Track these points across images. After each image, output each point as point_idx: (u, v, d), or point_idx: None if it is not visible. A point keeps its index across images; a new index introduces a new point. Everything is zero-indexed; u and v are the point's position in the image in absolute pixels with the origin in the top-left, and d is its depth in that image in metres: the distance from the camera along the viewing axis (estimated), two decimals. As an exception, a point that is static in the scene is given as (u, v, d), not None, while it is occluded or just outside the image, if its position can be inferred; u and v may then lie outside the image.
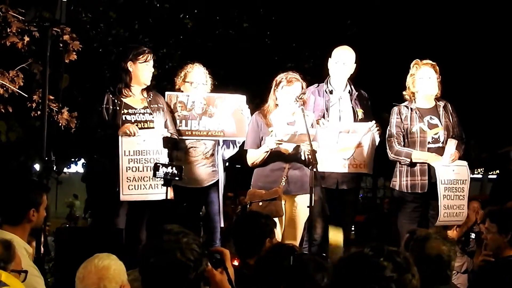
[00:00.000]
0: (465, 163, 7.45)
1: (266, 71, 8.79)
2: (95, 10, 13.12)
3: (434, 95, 7.57)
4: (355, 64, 7.76)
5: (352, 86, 7.84)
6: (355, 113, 7.76)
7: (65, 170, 22.53)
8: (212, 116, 7.48)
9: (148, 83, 7.19)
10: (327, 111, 7.68)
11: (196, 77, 7.62)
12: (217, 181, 7.64)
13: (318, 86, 7.82)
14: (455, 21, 14.85)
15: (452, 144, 7.34)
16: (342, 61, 7.72)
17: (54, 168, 6.77)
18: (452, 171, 7.34)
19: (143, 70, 7.11)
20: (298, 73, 7.46)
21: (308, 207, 6.79)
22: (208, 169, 7.59)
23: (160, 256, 3.41)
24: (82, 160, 19.49)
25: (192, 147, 7.57)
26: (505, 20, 14.62)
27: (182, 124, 7.44)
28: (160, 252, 3.42)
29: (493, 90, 16.33)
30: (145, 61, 7.10)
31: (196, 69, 7.65)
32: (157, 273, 3.42)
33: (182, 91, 7.60)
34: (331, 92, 7.75)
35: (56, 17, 6.45)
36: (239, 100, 7.59)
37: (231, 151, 7.81)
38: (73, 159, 20.05)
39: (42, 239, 6.28)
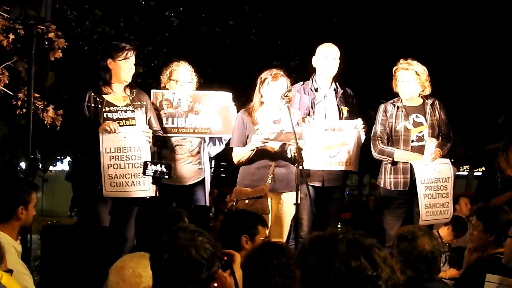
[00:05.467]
0: (447, 160, 7.47)
1: (252, 68, 8.78)
2: (81, 7, 13.09)
3: (415, 96, 7.59)
4: (339, 62, 7.79)
5: (337, 84, 7.86)
6: (340, 111, 7.77)
7: (51, 168, 22.46)
8: (199, 113, 7.48)
9: (129, 80, 7.16)
10: (312, 109, 7.69)
11: (182, 75, 7.61)
12: (203, 179, 7.65)
13: (303, 84, 7.83)
14: (441, 18, 14.89)
15: (432, 143, 7.36)
16: (332, 56, 7.74)
17: (40, 166, 6.76)
18: (433, 170, 7.35)
19: (123, 68, 7.08)
20: (283, 70, 7.47)
21: (294, 204, 6.82)
22: (194, 167, 7.59)
23: (174, 252, 3.41)
24: (68, 158, 19.45)
25: (178, 145, 7.57)
26: (491, 18, 14.68)
27: (168, 122, 7.45)
28: (174, 249, 3.42)
29: (479, 88, 16.38)
30: (124, 58, 7.07)
31: (181, 67, 7.64)
32: (169, 270, 3.41)
33: (168, 89, 7.60)
34: (316, 90, 7.77)
35: (41, 15, 6.44)
36: (225, 97, 7.59)
37: (217, 149, 7.81)
38: (59, 157, 19.98)
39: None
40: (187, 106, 7.47)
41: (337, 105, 7.78)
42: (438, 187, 7.34)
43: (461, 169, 24.33)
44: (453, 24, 15.00)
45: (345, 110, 7.77)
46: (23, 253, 5.59)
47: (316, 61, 7.82)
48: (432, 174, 7.34)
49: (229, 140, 7.55)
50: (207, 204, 7.67)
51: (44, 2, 6.34)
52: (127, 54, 7.10)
